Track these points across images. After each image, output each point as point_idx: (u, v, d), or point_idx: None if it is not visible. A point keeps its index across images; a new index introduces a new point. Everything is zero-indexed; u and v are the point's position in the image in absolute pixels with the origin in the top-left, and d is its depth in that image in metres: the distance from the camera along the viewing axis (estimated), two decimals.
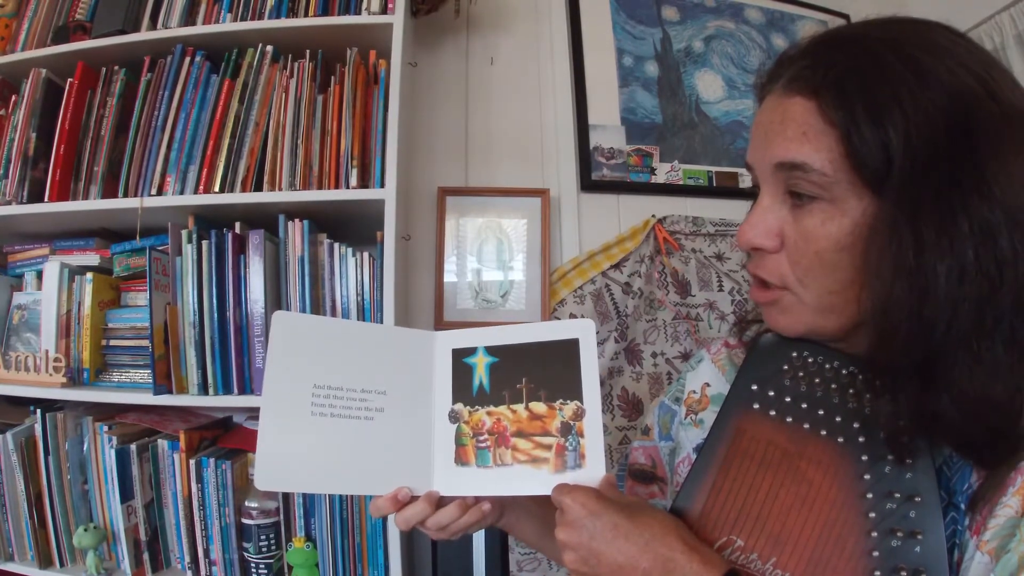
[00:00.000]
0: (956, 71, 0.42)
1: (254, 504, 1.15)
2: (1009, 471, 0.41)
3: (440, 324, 1.46)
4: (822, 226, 0.45)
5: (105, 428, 1.18)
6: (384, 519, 1.12)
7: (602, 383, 1.45)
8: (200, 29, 1.26)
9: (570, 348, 0.58)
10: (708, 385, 0.66)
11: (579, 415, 0.56)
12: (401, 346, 0.62)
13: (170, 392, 1.14)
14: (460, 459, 0.59)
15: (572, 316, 1.48)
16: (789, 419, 0.49)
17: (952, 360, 0.41)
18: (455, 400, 0.61)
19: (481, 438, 0.58)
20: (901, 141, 0.41)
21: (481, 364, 0.61)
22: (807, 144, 0.45)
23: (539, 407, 0.57)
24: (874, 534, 0.43)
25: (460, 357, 0.62)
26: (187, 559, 1.17)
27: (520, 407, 0.58)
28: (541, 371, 0.58)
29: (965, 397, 0.40)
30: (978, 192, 0.40)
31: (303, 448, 0.56)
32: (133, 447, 1.17)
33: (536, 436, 0.57)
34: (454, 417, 0.60)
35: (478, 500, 0.59)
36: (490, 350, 0.61)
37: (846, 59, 0.45)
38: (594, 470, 0.54)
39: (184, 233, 1.17)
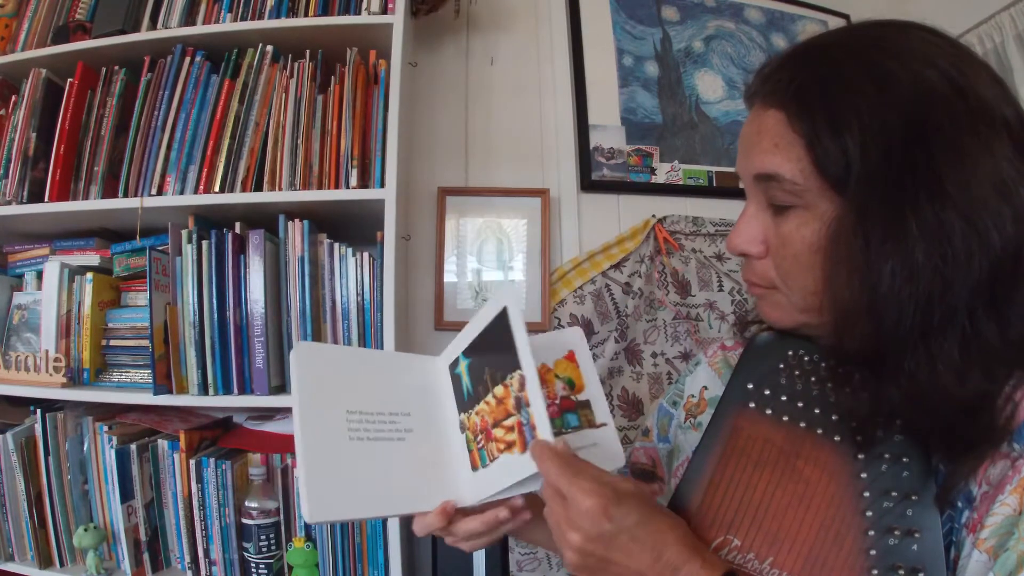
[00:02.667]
0: (922, 72, 0.43)
1: (254, 504, 1.14)
2: (976, 463, 0.42)
3: (440, 324, 1.46)
4: (797, 231, 0.47)
5: (105, 428, 1.18)
6: (384, 520, 1.12)
7: (602, 383, 1.44)
8: (200, 29, 1.26)
9: (503, 321, 0.55)
10: (706, 388, 0.66)
11: (523, 384, 0.52)
12: (412, 370, 0.64)
13: (170, 392, 1.14)
14: (472, 465, 0.58)
15: (572, 316, 1.48)
16: (785, 418, 0.50)
17: (904, 355, 0.42)
18: (459, 411, 0.61)
19: (478, 440, 0.58)
20: (858, 148, 0.42)
21: (463, 370, 0.61)
22: (779, 155, 0.47)
23: (500, 391, 0.55)
24: (871, 532, 0.43)
25: (452, 370, 0.63)
26: (187, 559, 1.17)
27: (490, 397, 0.57)
28: (493, 355, 0.56)
29: (917, 391, 0.42)
30: (929, 194, 0.41)
31: (348, 474, 0.54)
32: (133, 447, 1.17)
33: (504, 421, 0.54)
34: (462, 427, 0.61)
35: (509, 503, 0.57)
36: (465, 353, 0.61)
37: (811, 70, 0.46)
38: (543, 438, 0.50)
39: (184, 233, 1.17)
